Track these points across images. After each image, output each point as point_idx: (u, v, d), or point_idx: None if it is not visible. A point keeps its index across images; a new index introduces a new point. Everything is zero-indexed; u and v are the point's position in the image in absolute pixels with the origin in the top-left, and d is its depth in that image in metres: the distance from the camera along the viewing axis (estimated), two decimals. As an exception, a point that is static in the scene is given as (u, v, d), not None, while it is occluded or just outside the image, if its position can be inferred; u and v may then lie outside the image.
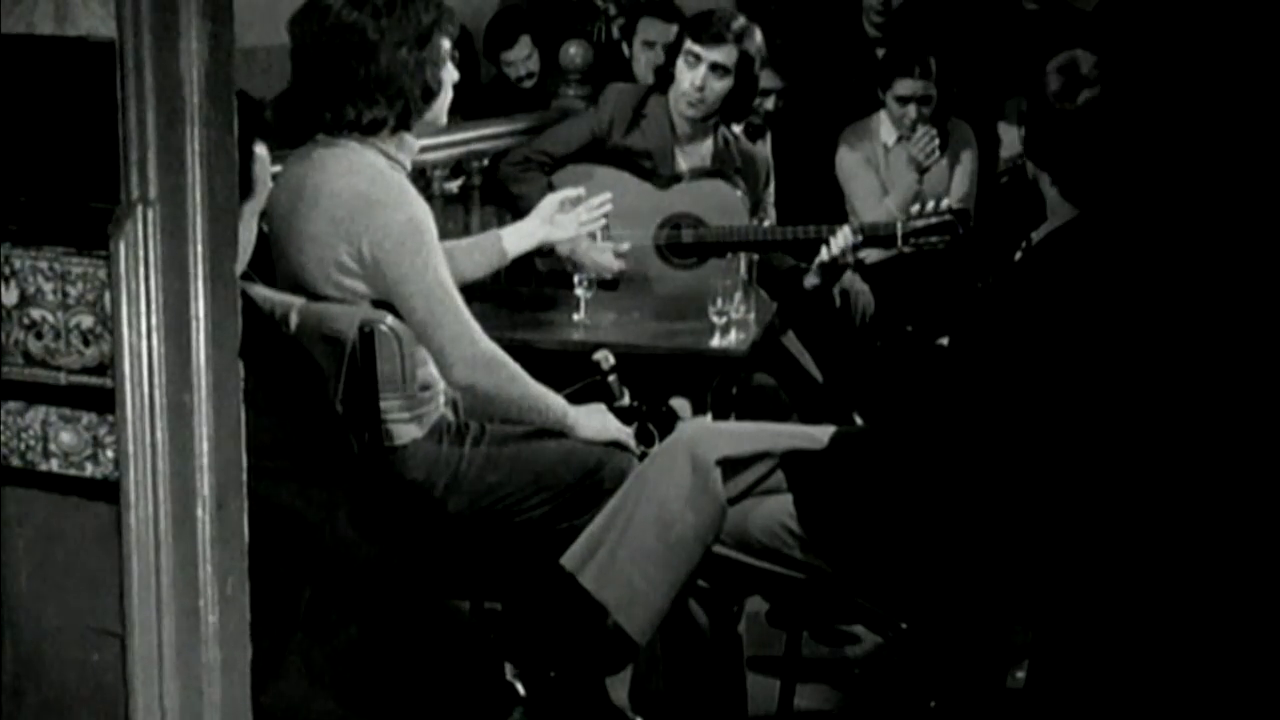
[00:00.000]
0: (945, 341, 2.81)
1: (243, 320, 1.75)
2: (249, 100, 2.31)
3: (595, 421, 3.14)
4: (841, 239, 4.08)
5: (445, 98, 3.06)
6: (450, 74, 3.06)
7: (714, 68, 4.24)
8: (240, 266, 2.00)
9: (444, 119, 3.10)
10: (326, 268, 2.95)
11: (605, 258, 4.15)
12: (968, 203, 4.74)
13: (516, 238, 3.54)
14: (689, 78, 4.26)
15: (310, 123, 3.01)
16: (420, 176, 4.31)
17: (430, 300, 2.92)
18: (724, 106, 4.32)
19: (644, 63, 5.08)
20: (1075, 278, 2.64)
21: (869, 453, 2.89)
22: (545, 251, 3.96)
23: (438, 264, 2.94)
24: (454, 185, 4.61)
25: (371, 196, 2.92)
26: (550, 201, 3.61)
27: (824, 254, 4.11)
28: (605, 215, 3.70)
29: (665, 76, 4.38)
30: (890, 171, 5.08)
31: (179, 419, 1.70)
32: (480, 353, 2.96)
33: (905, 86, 4.94)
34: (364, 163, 2.97)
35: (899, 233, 4.03)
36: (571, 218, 3.62)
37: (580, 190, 3.69)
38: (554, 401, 3.09)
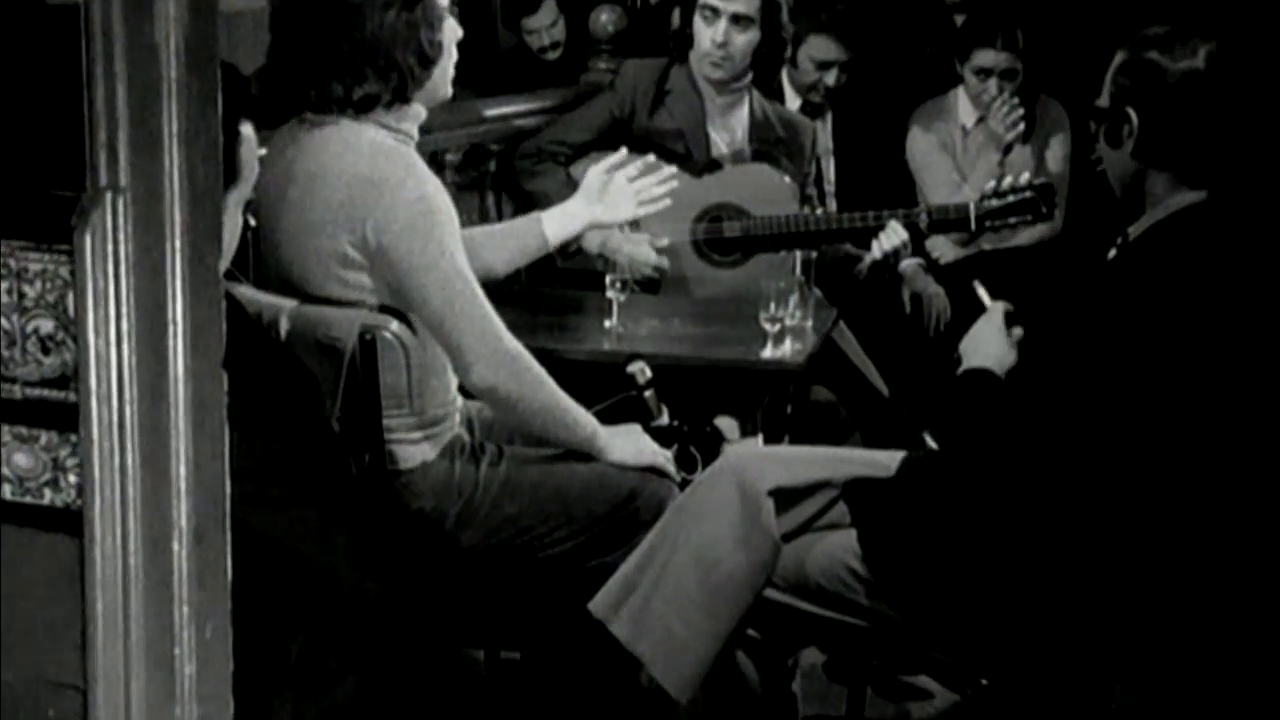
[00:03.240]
0: (1031, 351, 2.79)
1: (227, 326, 1.74)
2: (234, 73, 2.30)
3: (629, 444, 3.12)
4: (893, 235, 4.05)
5: (448, 62, 3.04)
6: (451, 32, 3.04)
7: (735, 19, 4.26)
8: (224, 263, 2.00)
9: (448, 88, 3.08)
10: (326, 262, 2.95)
11: (643, 251, 4.14)
12: (1058, 190, 4.71)
13: (560, 221, 3.49)
14: (709, 35, 4.28)
15: (296, 100, 3.01)
16: (431, 161, 4.31)
17: (448, 291, 2.92)
18: (753, 63, 4.32)
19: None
20: (1195, 276, 2.61)
21: (945, 482, 2.86)
22: (569, 249, 3.94)
23: (454, 249, 2.94)
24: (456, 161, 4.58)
25: (374, 176, 2.91)
26: (596, 175, 3.54)
27: (875, 250, 4.09)
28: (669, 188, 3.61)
29: (683, 40, 4.38)
30: (968, 156, 5.06)
31: (153, 439, 1.69)
32: (504, 351, 2.96)
33: (987, 58, 4.92)
34: (362, 140, 2.96)
35: (972, 214, 4.00)
36: (627, 193, 3.55)
37: (623, 152, 3.64)
38: (583, 417, 3.09)
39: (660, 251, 4.15)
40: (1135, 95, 2.66)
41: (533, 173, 4.34)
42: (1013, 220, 4.00)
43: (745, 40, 4.27)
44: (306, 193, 2.96)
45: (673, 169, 3.65)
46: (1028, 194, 3.98)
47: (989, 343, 2.85)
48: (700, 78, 4.35)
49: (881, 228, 4.12)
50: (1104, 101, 2.72)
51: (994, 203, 3.97)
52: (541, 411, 3.02)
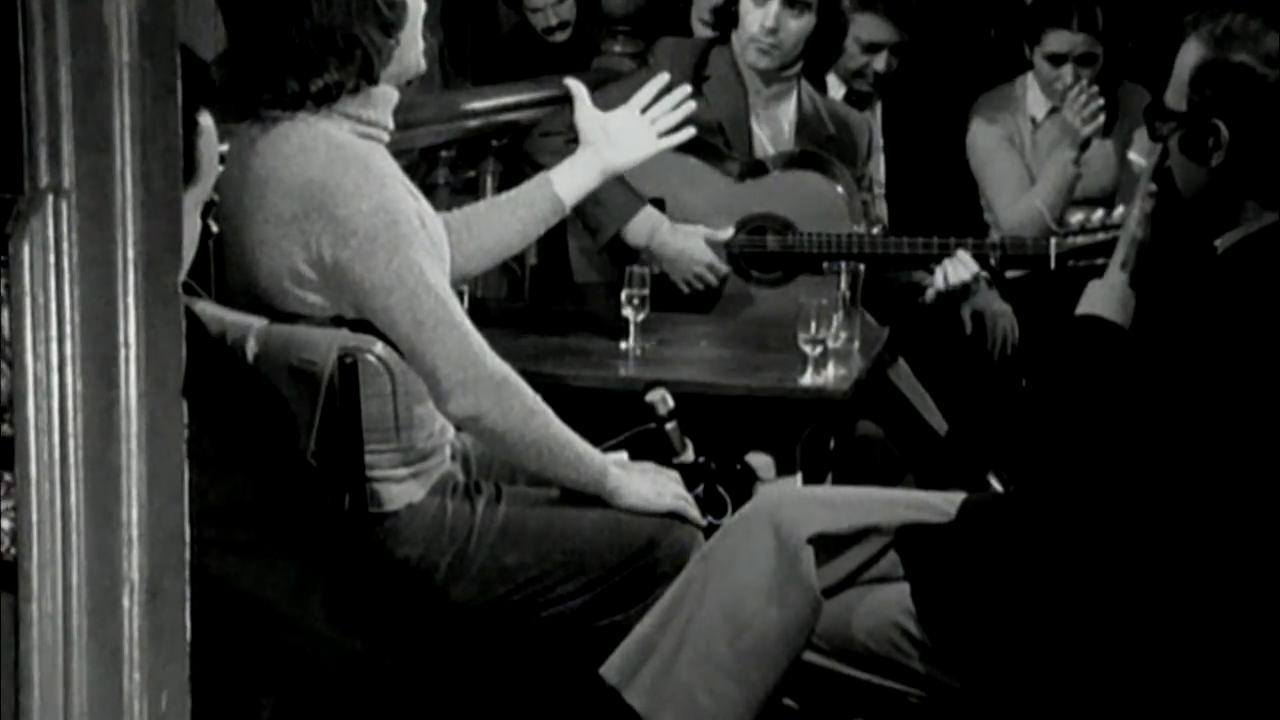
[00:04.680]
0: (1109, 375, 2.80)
1: (187, 348, 1.74)
2: (192, 58, 2.31)
3: (644, 485, 3.12)
4: (961, 268, 4.04)
5: (414, 24, 3.03)
6: None
7: (790, 2, 4.26)
8: (182, 274, 2.00)
9: (419, 59, 3.07)
10: (280, 280, 2.97)
11: (695, 245, 4.14)
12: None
13: (570, 176, 3.41)
14: (757, 17, 4.28)
15: (253, 94, 3.02)
16: (422, 158, 4.32)
17: (417, 310, 2.92)
18: (805, 52, 4.32)
19: (706, 6, 5.09)
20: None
21: (1012, 529, 2.86)
22: (639, 255, 3.89)
23: (423, 262, 2.94)
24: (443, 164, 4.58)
25: (328, 183, 2.92)
26: (589, 116, 3.44)
27: (939, 281, 4.09)
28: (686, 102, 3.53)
29: (727, 17, 4.39)
30: (1038, 153, 5.07)
31: (101, 478, 1.69)
32: (486, 374, 2.96)
33: (1060, 41, 4.92)
34: (317, 139, 2.96)
35: (1052, 252, 4.00)
36: (639, 127, 3.47)
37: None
38: (589, 453, 3.08)
39: (716, 247, 4.15)
40: (1224, 105, 2.64)
41: (561, 151, 4.32)
42: (1100, 261, 3.98)
43: (799, 27, 4.27)
44: (258, 203, 2.97)
45: (686, 88, 3.55)
46: (1118, 233, 3.96)
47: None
48: (744, 64, 4.35)
49: (947, 255, 4.11)
50: (1177, 104, 2.69)
51: (1080, 239, 3.96)
52: (535, 445, 3.01)
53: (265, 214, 2.95)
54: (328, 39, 2.93)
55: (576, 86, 3.51)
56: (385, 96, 3.03)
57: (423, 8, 3.06)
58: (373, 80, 2.99)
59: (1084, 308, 2.81)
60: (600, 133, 3.45)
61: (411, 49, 3.05)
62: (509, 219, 3.38)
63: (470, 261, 3.35)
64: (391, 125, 3.07)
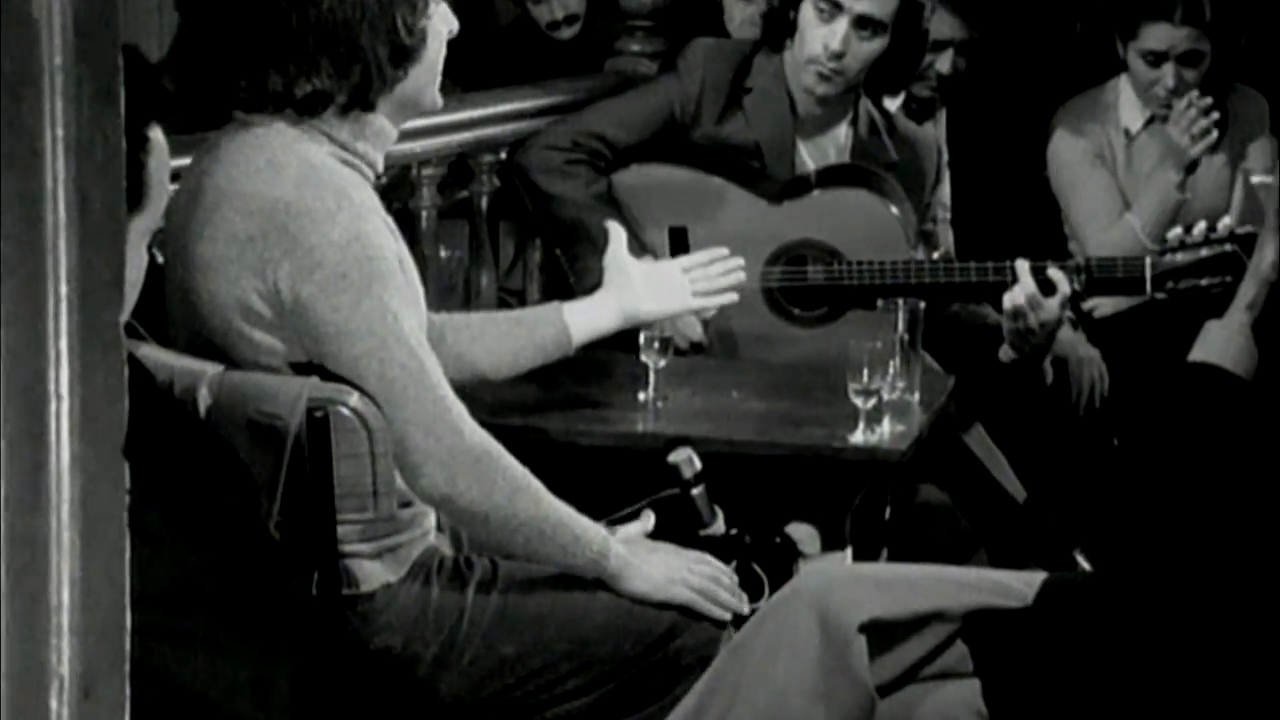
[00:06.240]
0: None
1: (130, 400, 1.75)
2: (139, 60, 2.32)
3: (654, 568, 3.11)
4: (1020, 293, 4.03)
5: (433, 62, 3.05)
6: (442, 20, 3.05)
7: (861, 22, 4.25)
8: (125, 314, 2.01)
9: (433, 97, 3.10)
10: (227, 314, 2.97)
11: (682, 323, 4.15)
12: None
13: (587, 312, 3.50)
14: (821, 35, 4.27)
15: (222, 94, 3.02)
16: (401, 178, 4.34)
17: (386, 364, 2.93)
18: (871, 76, 4.32)
19: (742, 16, 5.10)
20: None
21: (1101, 617, 2.86)
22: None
23: (399, 309, 2.95)
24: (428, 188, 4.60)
25: (296, 204, 2.93)
26: (619, 259, 3.55)
27: (1007, 302, 4.07)
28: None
29: (781, 26, 4.38)
30: (1134, 171, 5.07)
31: (26, 554, 1.69)
32: (464, 447, 2.97)
33: (1160, 36, 4.93)
34: (291, 153, 2.97)
35: (1148, 272, 3.99)
36: (675, 279, 3.58)
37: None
38: (587, 532, 3.07)
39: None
40: None
41: (562, 171, 4.33)
42: (1204, 281, 3.97)
43: (869, 51, 4.26)
44: (210, 218, 2.97)
45: (740, 261, 3.69)
46: (1227, 247, 3.95)
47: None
48: (796, 84, 4.34)
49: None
50: None
51: (1179, 257, 3.95)
52: (522, 528, 3.02)
53: (215, 231, 2.96)
54: (328, 37, 2.94)
55: (616, 230, 3.60)
56: (380, 131, 3.05)
57: (443, 51, 3.07)
58: (368, 106, 3.00)
59: (1198, 354, 2.81)
60: (625, 278, 3.55)
61: (425, 86, 3.06)
62: (503, 336, 3.39)
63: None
64: (381, 166, 3.09)
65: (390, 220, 3.08)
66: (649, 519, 3.23)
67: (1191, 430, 2.76)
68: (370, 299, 2.92)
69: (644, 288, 3.55)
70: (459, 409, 2.98)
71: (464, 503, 2.98)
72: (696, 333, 4.17)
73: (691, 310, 3.66)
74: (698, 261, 3.65)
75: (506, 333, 3.41)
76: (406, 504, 3.08)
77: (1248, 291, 2.84)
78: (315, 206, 2.93)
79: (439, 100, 3.12)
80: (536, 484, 3.02)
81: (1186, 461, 2.74)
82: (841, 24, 4.24)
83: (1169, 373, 2.87)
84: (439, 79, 3.10)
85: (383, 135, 3.06)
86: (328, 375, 2.95)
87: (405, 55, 3.00)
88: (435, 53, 3.06)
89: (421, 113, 3.16)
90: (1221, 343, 2.81)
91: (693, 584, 3.11)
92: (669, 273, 3.61)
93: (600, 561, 3.07)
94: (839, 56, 4.25)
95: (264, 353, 2.97)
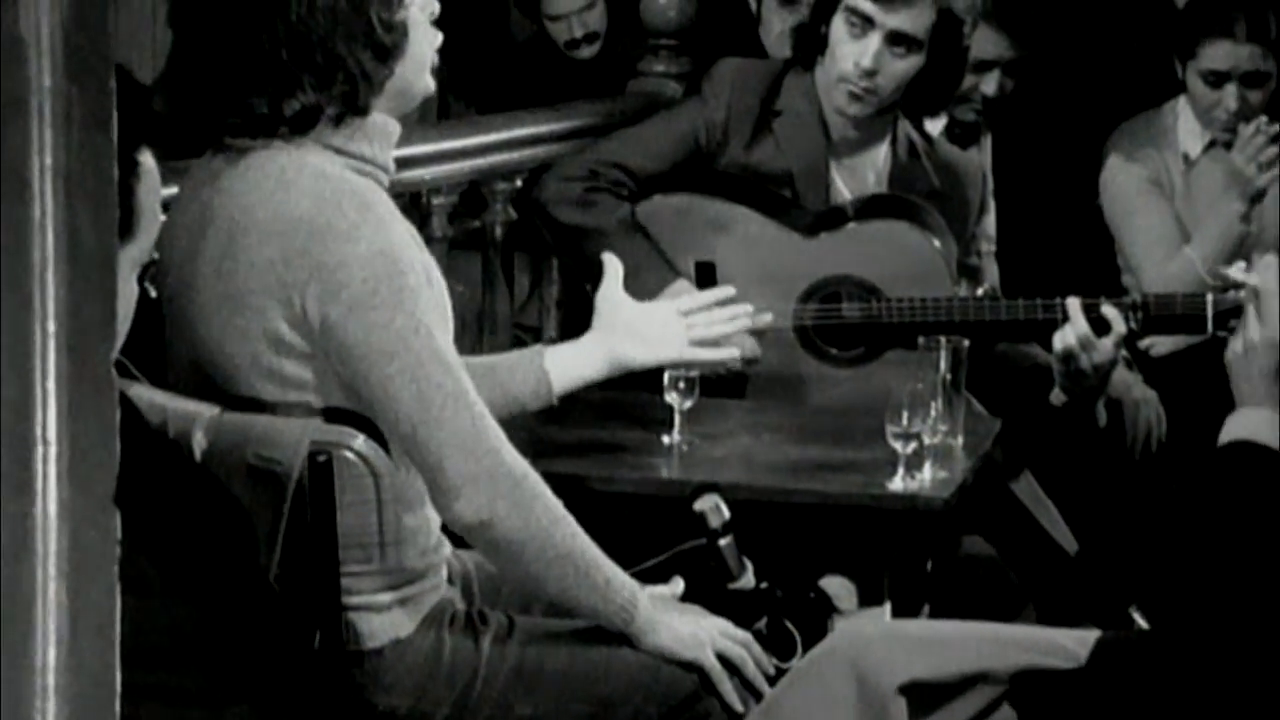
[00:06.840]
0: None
1: (121, 444, 1.74)
2: (130, 82, 2.32)
3: (683, 625, 3.11)
4: (1071, 332, 4.01)
5: (419, 52, 3.05)
6: (422, 8, 3.04)
7: (895, 38, 4.26)
8: (115, 352, 2.00)
9: (426, 82, 3.09)
10: (254, 346, 2.98)
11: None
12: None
13: (569, 357, 3.48)
14: (852, 52, 4.28)
15: (212, 120, 3.03)
16: (412, 206, 4.34)
17: (422, 383, 2.93)
18: (908, 96, 4.32)
19: (781, 27, 5.10)
20: None
21: (1159, 677, 2.85)
22: None
23: (432, 324, 2.96)
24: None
25: (316, 220, 2.94)
26: (612, 299, 3.53)
27: (1057, 343, 4.06)
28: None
29: (811, 41, 4.39)
30: (1193, 200, 5.06)
31: (11, 610, 1.69)
32: (504, 472, 2.96)
33: (1222, 55, 4.93)
34: (302, 171, 2.98)
35: (1209, 310, 3.98)
36: (671, 323, 3.55)
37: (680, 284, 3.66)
38: (617, 576, 3.07)
39: (757, 335, 4.15)
40: None
41: (583, 201, 4.33)
42: None
43: (903, 69, 4.27)
44: (226, 250, 2.98)
45: (747, 307, 3.68)
46: None
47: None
48: (829, 104, 4.35)
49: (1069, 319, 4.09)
50: None
51: (1244, 294, 3.95)
52: (559, 561, 3.01)
53: (235, 264, 2.97)
54: (303, 53, 2.94)
55: (612, 263, 3.58)
56: (382, 129, 3.05)
57: (434, 37, 3.07)
58: (360, 111, 3.01)
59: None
60: (615, 318, 3.52)
61: (416, 74, 3.06)
62: (477, 381, 3.18)
63: None
64: (392, 165, 3.09)
65: (413, 228, 3.08)
66: (678, 583, 3.22)
67: (1240, 490, 2.77)
68: (403, 314, 2.93)
69: (636, 333, 3.51)
70: (497, 430, 2.98)
71: (503, 530, 2.97)
72: (749, 347, 4.12)
73: (685, 362, 3.62)
74: (701, 303, 3.62)
75: (479, 380, 3.22)
76: (420, 553, 3.08)
77: None
78: (336, 222, 2.94)
79: (431, 85, 3.11)
80: (571, 517, 3.02)
81: (1235, 520, 2.75)
82: (874, 40, 4.25)
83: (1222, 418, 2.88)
84: (430, 65, 3.09)
85: (385, 131, 3.06)
86: (333, 417, 2.96)
87: (388, 53, 3.00)
88: (420, 42, 3.05)
89: (420, 96, 3.13)
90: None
91: (721, 648, 3.10)
92: (665, 317, 3.56)
93: (629, 609, 3.06)
94: (871, 74, 4.25)
95: (294, 388, 2.97)
